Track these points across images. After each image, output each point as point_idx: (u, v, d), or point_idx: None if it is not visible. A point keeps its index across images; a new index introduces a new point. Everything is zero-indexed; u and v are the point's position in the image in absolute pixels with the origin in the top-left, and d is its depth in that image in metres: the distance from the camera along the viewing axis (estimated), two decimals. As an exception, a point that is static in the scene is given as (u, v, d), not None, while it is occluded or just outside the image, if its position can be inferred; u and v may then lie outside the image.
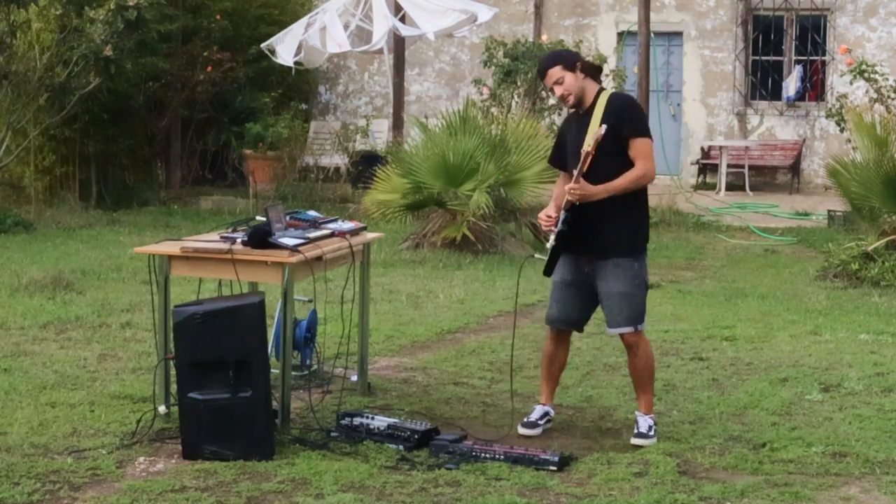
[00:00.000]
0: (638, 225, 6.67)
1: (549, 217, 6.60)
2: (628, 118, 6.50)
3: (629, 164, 6.46)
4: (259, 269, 6.62)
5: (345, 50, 16.86)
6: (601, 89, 6.63)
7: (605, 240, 6.50)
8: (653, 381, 6.78)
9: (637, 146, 6.46)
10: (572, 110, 6.82)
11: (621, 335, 6.63)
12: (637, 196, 6.59)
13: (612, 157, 6.42)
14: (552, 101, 17.27)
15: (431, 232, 13.74)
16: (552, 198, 6.81)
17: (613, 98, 6.62)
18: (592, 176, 6.40)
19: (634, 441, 6.52)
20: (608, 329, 6.69)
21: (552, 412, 6.88)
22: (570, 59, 6.61)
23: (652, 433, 6.56)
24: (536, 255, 6.91)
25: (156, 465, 6.08)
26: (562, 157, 6.77)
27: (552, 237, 6.59)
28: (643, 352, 6.66)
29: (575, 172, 6.41)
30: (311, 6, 19.75)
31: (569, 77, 6.53)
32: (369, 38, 16.72)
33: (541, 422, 6.78)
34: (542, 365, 6.94)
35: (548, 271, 6.72)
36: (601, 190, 6.41)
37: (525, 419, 6.79)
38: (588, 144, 6.33)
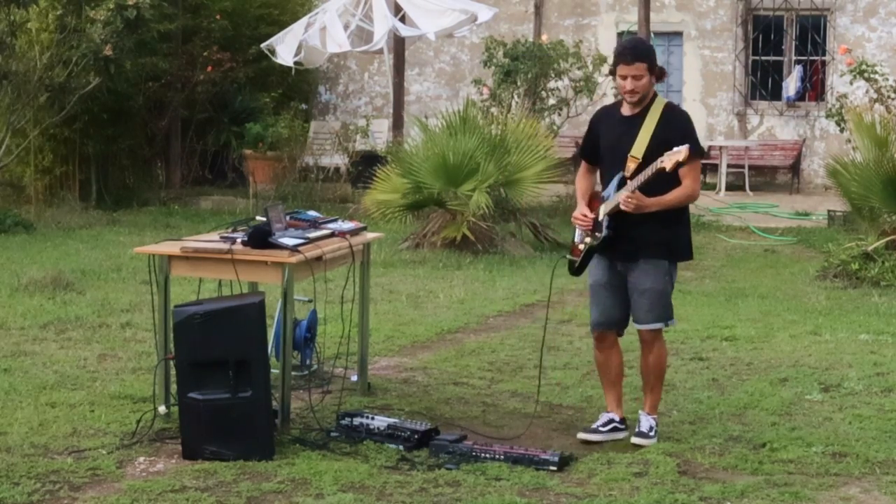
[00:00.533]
0: (678, 235, 6.63)
1: (586, 217, 6.54)
2: (689, 137, 6.40)
3: (675, 180, 6.40)
4: (259, 269, 6.62)
5: (345, 50, 16.87)
6: (655, 94, 6.54)
7: (644, 242, 6.46)
8: (662, 383, 6.76)
9: (691, 166, 6.39)
10: (610, 104, 6.76)
11: (642, 331, 6.58)
12: (682, 211, 6.59)
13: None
14: (552, 101, 17.28)
15: (431, 232, 13.74)
16: (579, 192, 6.70)
17: (672, 111, 6.53)
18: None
19: (635, 440, 6.51)
20: (635, 324, 6.60)
21: (618, 419, 6.69)
22: (654, 60, 6.48)
23: (653, 434, 6.55)
24: (567, 256, 6.77)
25: (156, 465, 6.08)
26: (594, 150, 6.67)
27: (588, 238, 6.52)
28: (658, 350, 6.63)
29: (632, 182, 6.32)
30: (311, 6, 19.74)
31: (647, 78, 6.42)
32: (369, 38, 16.72)
33: (603, 428, 6.63)
34: (599, 374, 6.85)
35: (579, 271, 6.69)
36: (654, 203, 6.36)
37: (591, 424, 6.69)
38: (664, 161, 6.20)
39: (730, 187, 19.49)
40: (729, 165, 19.57)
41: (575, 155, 17.49)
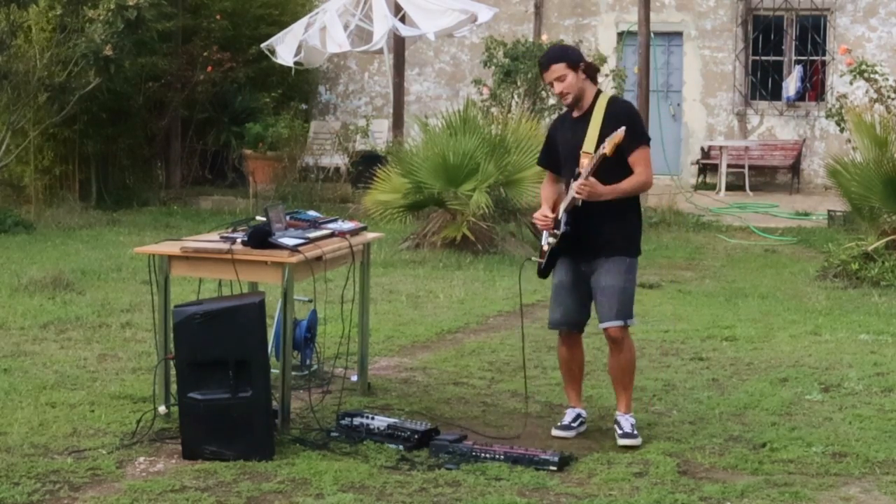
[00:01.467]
0: (634, 228, 6.70)
1: (546, 217, 6.62)
2: (633, 126, 6.50)
3: (626, 170, 6.50)
4: (259, 269, 6.62)
5: (345, 50, 16.86)
6: (599, 91, 6.65)
7: (605, 240, 6.53)
8: (632, 381, 6.77)
9: (639, 154, 6.50)
10: (563, 112, 6.85)
11: (608, 330, 6.61)
12: (634, 201, 6.67)
13: (612, 161, 6.42)
14: (552, 101, 17.26)
15: (431, 232, 13.74)
16: (543, 198, 6.80)
17: (615, 103, 6.63)
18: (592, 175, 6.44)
19: (623, 442, 6.49)
20: (600, 324, 6.65)
21: (584, 414, 6.84)
22: (574, 58, 6.59)
23: (636, 432, 6.56)
24: (533, 259, 6.88)
25: (156, 465, 6.08)
26: (552, 158, 6.79)
27: (550, 238, 6.60)
28: (627, 348, 6.66)
29: (583, 171, 6.41)
30: (312, 6, 19.74)
31: (571, 76, 6.53)
32: (369, 38, 16.72)
33: (574, 424, 6.74)
34: (561, 370, 6.93)
35: (545, 273, 6.75)
36: (609, 191, 6.44)
37: (559, 422, 6.78)
38: (605, 147, 6.32)
39: (730, 187, 19.50)
40: (729, 165, 19.58)
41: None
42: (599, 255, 6.55)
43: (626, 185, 6.48)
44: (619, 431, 6.56)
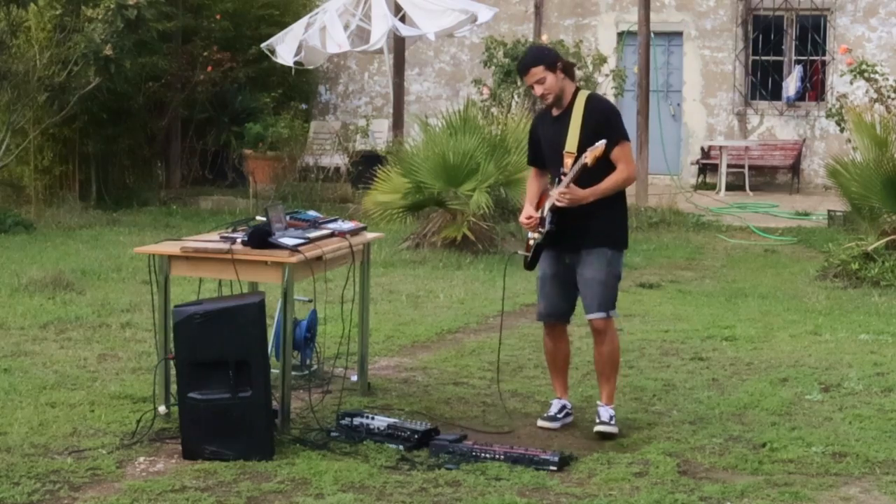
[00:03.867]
0: (618, 221, 6.80)
1: (531, 217, 6.74)
2: (611, 124, 6.64)
3: (610, 167, 6.59)
4: (259, 269, 6.62)
5: (344, 50, 16.85)
6: (577, 88, 6.75)
7: (588, 232, 6.64)
8: (617, 372, 6.88)
9: (620, 150, 6.61)
10: (543, 108, 6.94)
11: (592, 321, 6.72)
12: (619, 194, 6.76)
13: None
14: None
15: (431, 232, 13.74)
16: (527, 196, 6.92)
17: (593, 101, 6.73)
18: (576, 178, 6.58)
19: (600, 429, 6.60)
20: (586, 315, 6.77)
21: (569, 405, 6.95)
22: (551, 59, 6.69)
23: (613, 422, 6.67)
24: (519, 252, 7.07)
25: (156, 465, 6.08)
26: (539, 156, 6.90)
27: (536, 235, 6.73)
28: (611, 340, 6.76)
29: (565, 179, 6.55)
30: (313, 7, 19.74)
31: (550, 77, 6.63)
32: (369, 38, 16.72)
33: (560, 415, 6.85)
34: (547, 362, 7.06)
35: (531, 265, 6.88)
36: (589, 194, 6.57)
37: (545, 413, 6.89)
38: (586, 157, 6.45)
39: (730, 187, 19.49)
40: (729, 165, 19.57)
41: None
42: (583, 248, 6.67)
43: (607, 184, 6.59)
44: (597, 420, 6.67)
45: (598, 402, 6.79)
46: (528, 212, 6.80)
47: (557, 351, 6.95)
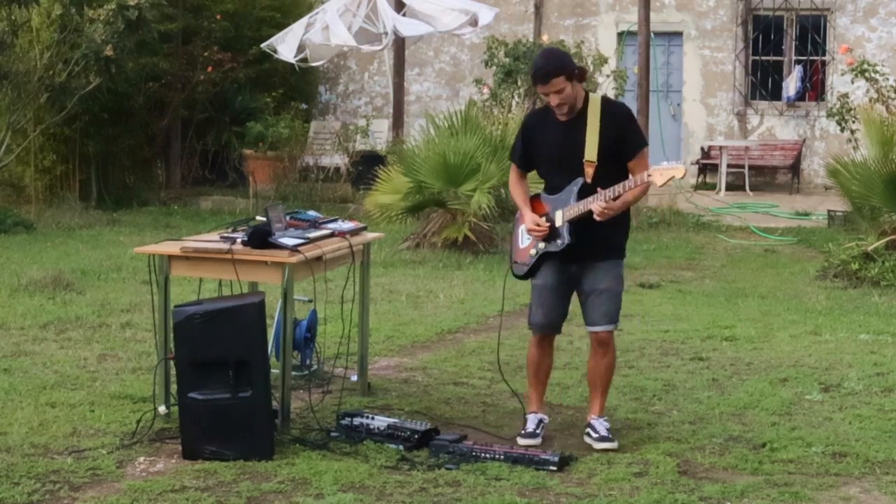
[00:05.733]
0: (626, 229, 6.65)
1: (541, 227, 6.46)
2: (633, 129, 6.48)
3: (623, 172, 6.40)
4: (259, 269, 6.62)
5: (351, 45, 16.78)
6: (586, 93, 6.52)
7: (603, 243, 6.45)
8: (610, 384, 6.73)
9: (640, 159, 6.44)
10: (538, 108, 6.72)
11: (598, 333, 6.53)
12: (629, 209, 6.64)
13: (612, 164, 6.38)
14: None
15: (432, 232, 13.74)
16: (520, 199, 6.63)
17: (610, 106, 6.52)
18: (595, 183, 6.36)
19: (602, 446, 6.40)
20: (589, 327, 6.56)
21: (546, 418, 6.73)
22: (571, 70, 6.38)
23: (611, 435, 6.48)
24: (518, 262, 6.66)
25: (156, 465, 6.08)
26: (529, 157, 6.62)
27: (541, 244, 6.47)
28: (611, 351, 6.62)
29: (609, 192, 6.26)
30: (314, 9, 19.73)
31: (568, 87, 6.36)
32: (370, 38, 16.71)
33: (538, 430, 6.60)
34: (529, 372, 6.74)
35: (529, 275, 6.62)
36: (622, 206, 6.38)
37: (523, 430, 6.60)
38: (652, 177, 6.21)
39: (730, 187, 19.49)
40: (729, 165, 19.57)
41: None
42: (595, 258, 6.45)
43: (636, 194, 6.42)
44: (596, 435, 6.47)
45: (592, 417, 6.58)
46: (535, 219, 6.50)
47: (543, 362, 6.68)
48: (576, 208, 6.37)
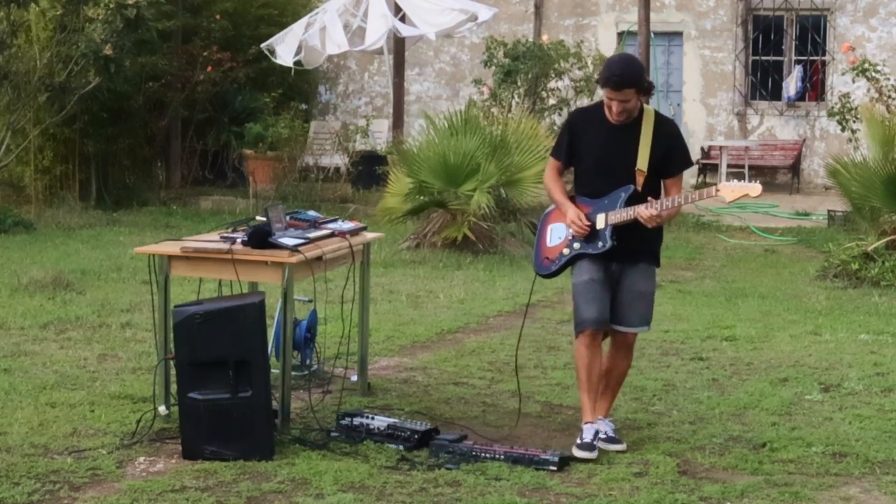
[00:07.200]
0: (661, 237, 6.68)
1: (585, 224, 6.37)
2: (682, 148, 6.52)
3: (657, 184, 6.46)
4: (259, 269, 6.62)
5: (343, 50, 16.84)
6: (641, 104, 6.49)
7: (644, 246, 6.47)
8: None
9: (679, 178, 6.51)
10: (587, 107, 6.75)
11: (628, 334, 6.54)
12: None
13: (655, 177, 6.43)
14: (552, 102, 17.28)
15: (432, 232, 13.75)
16: (559, 193, 6.52)
17: (663, 123, 6.51)
18: (643, 192, 6.38)
19: (613, 447, 6.37)
20: (624, 327, 6.50)
21: (602, 427, 6.47)
22: (643, 82, 6.36)
23: (618, 436, 6.49)
24: (549, 259, 6.56)
25: (156, 465, 6.08)
26: (570, 154, 6.55)
27: (576, 243, 6.42)
28: (631, 354, 6.68)
29: (667, 201, 6.31)
30: (312, 7, 19.73)
31: (635, 100, 6.35)
32: (370, 38, 16.72)
33: (595, 441, 6.34)
34: (580, 378, 6.47)
35: (555, 274, 6.60)
36: (667, 218, 6.43)
37: (579, 440, 6.33)
38: (721, 191, 6.33)
39: (730, 187, 19.45)
40: (729, 165, 19.56)
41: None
42: (636, 259, 6.45)
43: (676, 209, 6.44)
44: (607, 437, 6.44)
45: (601, 419, 6.51)
46: (579, 214, 6.38)
47: (595, 363, 6.42)
48: (622, 214, 6.35)
